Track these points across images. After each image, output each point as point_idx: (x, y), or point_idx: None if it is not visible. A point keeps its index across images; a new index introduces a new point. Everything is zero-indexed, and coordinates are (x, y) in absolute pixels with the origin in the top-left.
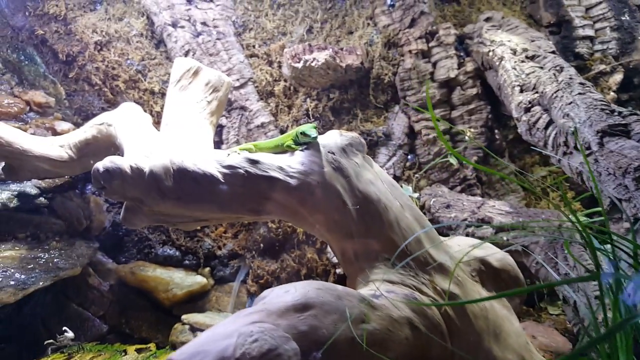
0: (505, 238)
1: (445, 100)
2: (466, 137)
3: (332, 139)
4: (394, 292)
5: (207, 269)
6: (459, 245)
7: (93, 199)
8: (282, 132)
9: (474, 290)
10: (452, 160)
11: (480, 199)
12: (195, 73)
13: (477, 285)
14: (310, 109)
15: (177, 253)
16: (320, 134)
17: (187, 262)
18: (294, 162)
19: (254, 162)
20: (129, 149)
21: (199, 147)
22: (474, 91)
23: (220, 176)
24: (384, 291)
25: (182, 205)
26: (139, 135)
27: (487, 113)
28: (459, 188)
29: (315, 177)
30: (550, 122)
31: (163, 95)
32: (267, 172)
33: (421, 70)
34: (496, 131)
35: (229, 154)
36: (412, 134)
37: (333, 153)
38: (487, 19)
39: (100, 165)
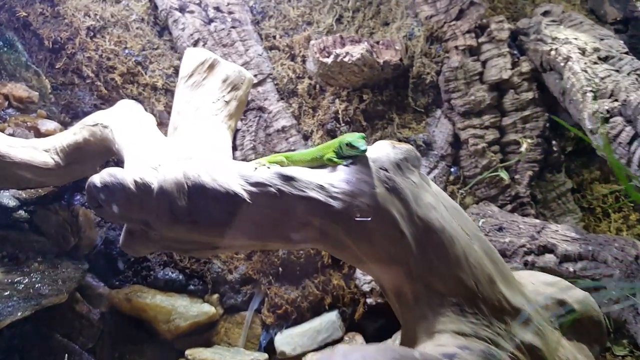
0: (571, 269)
1: (495, 105)
2: (522, 149)
3: (383, 151)
4: (469, 349)
5: (216, 295)
6: (533, 284)
7: (82, 211)
8: (305, 137)
9: (556, 341)
10: (503, 174)
11: (539, 221)
12: (211, 67)
13: (556, 333)
14: (340, 112)
15: (181, 277)
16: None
17: (192, 287)
18: (338, 181)
19: (288, 179)
20: (131, 158)
21: (217, 157)
22: (529, 95)
23: (246, 195)
24: (458, 348)
25: (198, 230)
26: (142, 140)
27: (544, 121)
28: (509, 207)
29: (365, 199)
30: (635, 136)
31: (167, 91)
32: (304, 191)
33: (469, 69)
34: (553, 142)
35: (256, 168)
36: (456, 142)
37: (386, 170)
38: (545, 13)
39: (97, 179)
